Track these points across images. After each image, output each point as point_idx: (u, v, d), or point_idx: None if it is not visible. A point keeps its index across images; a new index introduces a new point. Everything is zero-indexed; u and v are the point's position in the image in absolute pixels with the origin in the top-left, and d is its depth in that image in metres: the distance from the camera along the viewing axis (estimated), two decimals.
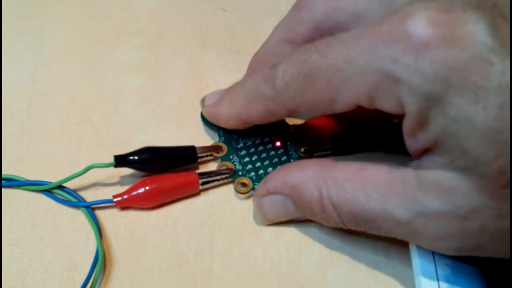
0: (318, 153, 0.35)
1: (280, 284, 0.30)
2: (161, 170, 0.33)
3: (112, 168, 0.32)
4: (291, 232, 0.32)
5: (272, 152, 0.34)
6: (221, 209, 0.32)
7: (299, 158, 0.34)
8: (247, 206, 0.33)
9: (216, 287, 0.30)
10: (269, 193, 0.29)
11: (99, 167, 0.31)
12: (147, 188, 0.31)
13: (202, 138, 0.36)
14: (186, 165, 0.33)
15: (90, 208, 0.31)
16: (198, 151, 0.33)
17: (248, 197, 0.33)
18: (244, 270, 0.30)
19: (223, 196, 0.33)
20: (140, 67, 0.39)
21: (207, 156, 0.34)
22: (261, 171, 0.33)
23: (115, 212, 0.32)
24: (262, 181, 0.30)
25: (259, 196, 0.30)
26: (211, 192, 0.33)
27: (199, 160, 0.34)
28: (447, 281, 0.27)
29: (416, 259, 0.27)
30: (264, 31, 0.38)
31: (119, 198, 0.31)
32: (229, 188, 0.33)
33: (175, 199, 0.32)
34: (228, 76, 0.39)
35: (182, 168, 0.33)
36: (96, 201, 0.31)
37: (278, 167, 0.31)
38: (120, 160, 0.31)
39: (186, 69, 0.39)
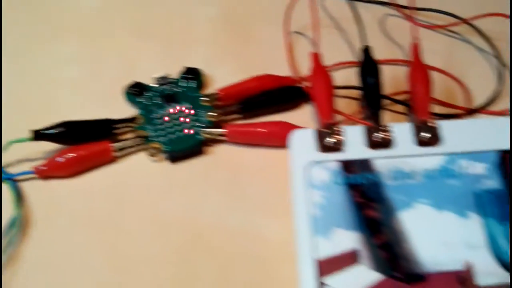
0: (228, 116, 0.37)
1: (181, 232, 0.33)
2: (81, 143, 0.35)
3: (36, 144, 0.35)
4: (194, 188, 0.35)
5: (184, 119, 0.37)
6: (135, 172, 0.35)
7: (209, 123, 0.36)
8: (159, 168, 0.35)
9: (128, 242, 0.32)
10: None
11: (18, 142, 0.34)
12: (64, 157, 0.34)
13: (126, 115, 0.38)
14: (105, 136, 0.36)
15: (12, 180, 0.33)
16: (115, 123, 0.36)
17: (161, 160, 0.35)
18: (153, 224, 0.33)
19: (138, 161, 0.36)
20: (76, 58, 0.42)
21: (124, 127, 0.36)
22: (172, 136, 0.35)
23: (37, 183, 0.34)
24: None
25: None
26: (128, 158, 0.36)
27: (118, 131, 0.36)
28: None
29: None
30: (197, 23, 0.43)
31: (40, 169, 0.33)
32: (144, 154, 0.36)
33: (92, 166, 0.34)
34: (158, 65, 0.41)
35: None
36: (18, 173, 0.34)
37: None
38: (39, 135, 0.34)
39: (118, 58, 0.42)
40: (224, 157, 0.36)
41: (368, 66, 0.35)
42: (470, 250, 0.28)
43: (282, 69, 0.39)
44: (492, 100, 0.39)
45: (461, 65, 0.41)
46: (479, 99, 0.39)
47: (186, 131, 0.36)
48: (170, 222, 0.33)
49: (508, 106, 0.38)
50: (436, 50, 0.42)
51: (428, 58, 0.38)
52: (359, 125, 0.32)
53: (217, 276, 0.31)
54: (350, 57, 0.40)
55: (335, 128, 0.32)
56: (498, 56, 0.41)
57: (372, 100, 0.34)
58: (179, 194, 0.34)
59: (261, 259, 0.32)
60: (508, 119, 0.33)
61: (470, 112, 0.37)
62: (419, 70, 0.35)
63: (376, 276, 0.28)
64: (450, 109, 0.38)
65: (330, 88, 0.34)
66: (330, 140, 0.31)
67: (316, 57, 0.35)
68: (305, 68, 0.39)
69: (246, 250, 0.32)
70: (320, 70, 0.34)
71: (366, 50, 0.36)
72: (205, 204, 0.33)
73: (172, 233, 0.32)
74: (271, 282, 0.31)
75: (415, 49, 0.36)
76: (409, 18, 0.41)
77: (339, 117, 0.36)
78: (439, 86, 0.39)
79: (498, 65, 0.40)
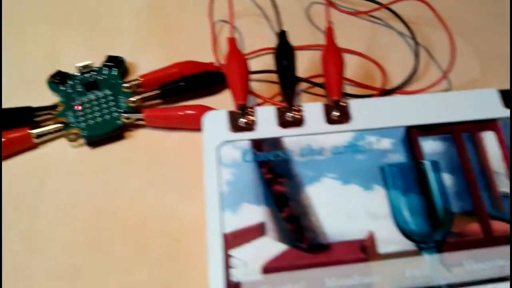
0: (147, 102, 0.38)
1: (97, 213, 0.34)
2: (2, 130, 0.35)
3: None
4: (112, 171, 0.36)
5: (104, 105, 0.37)
6: (55, 158, 0.36)
7: (128, 108, 0.37)
8: (78, 153, 0.36)
9: (45, 225, 0.33)
10: None
11: None
12: None
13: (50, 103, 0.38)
14: (26, 124, 0.36)
15: None
16: (36, 110, 0.36)
17: (80, 145, 0.35)
18: (70, 207, 0.34)
19: (58, 147, 0.36)
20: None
21: (46, 114, 0.36)
22: (91, 121, 0.36)
23: None
24: None
25: None
26: (48, 144, 0.36)
27: (40, 118, 0.37)
28: None
29: None
30: (123, 13, 0.43)
31: None
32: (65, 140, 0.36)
33: (12, 153, 0.35)
34: (84, 54, 0.41)
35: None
36: None
37: None
38: None
39: (43, 48, 0.42)
40: (143, 141, 0.36)
41: (282, 49, 0.36)
42: (373, 220, 0.29)
43: (206, 57, 0.40)
44: (407, 81, 0.40)
45: (381, 48, 0.42)
46: (396, 80, 0.40)
47: (105, 116, 0.36)
48: (87, 204, 0.33)
49: (423, 86, 0.39)
50: (359, 35, 0.43)
51: (352, 43, 0.40)
52: (272, 106, 0.33)
53: (131, 254, 0.32)
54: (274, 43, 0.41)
55: (247, 109, 0.32)
56: (414, 39, 0.42)
57: (285, 82, 0.35)
58: (97, 177, 0.35)
59: (175, 236, 0.32)
60: (414, 96, 0.35)
61: (386, 92, 0.39)
62: (332, 52, 0.36)
63: (280, 247, 0.29)
64: (368, 90, 0.39)
65: (244, 71, 0.35)
66: (242, 120, 0.32)
67: (231, 42, 0.36)
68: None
69: (161, 228, 0.33)
70: (235, 54, 0.35)
71: (281, 35, 0.37)
72: (122, 186, 0.34)
73: (88, 214, 0.33)
74: (185, 257, 0.32)
75: (329, 32, 0.37)
76: (332, 5, 0.43)
77: (258, 100, 0.38)
78: (360, 69, 0.41)
79: (415, 48, 0.42)
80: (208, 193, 0.30)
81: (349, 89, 0.39)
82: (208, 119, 0.32)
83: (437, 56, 0.41)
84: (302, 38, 0.41)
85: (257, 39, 0.41)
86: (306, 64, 0.40)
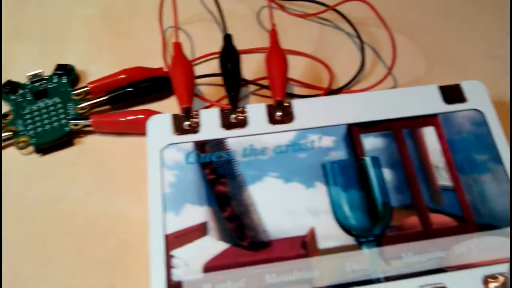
0: (96, 108, 0.39)
1: (45, 217, 0.34)
2: None
3: None
4: (61, 176, 0.36)
5: (53, 113, 0.38)
6: (4, 165, 0.36)
7: (76, 115, 0.38)
8: (27, 160, 0.36)
9: None
10: None
11: None
12: None
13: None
14: None
15: None
16: None
17: (30, 153, 0.36)
18: (16, 212, 0.34)
19: (7, 155, 0.37)
20: None
21: None
22: (40, 129, 0.36)
23: None
24: None
25: None
26: None
27: None
28: None
29: None
30: (75, 22, 0.44)
31: None
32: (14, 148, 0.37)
33: None
34: (35, 64, 0.42)
35: None
36: None
37: None
38: None
39: None
40: (91, 147, 0.37)
41: (227, 52, 0.37)
42: (314, 217, 0.30)
43: (157, 63, 0.41)
44: (353, 80, 0.41)
45: (329, 49, 0.43)
46: (344, 80, 0.41)
47: (54, 124, 0.37)
48: (35, 209, 0.34)
49: (369, 85, 0.40)
50: (308, 37, 0.44)
51: (301, 45, 0.41)
52: (216, 108, 0.34)
53: (76, 256, 0.32)
54: None
55: (191, 112, 0.33)
56: (360, 39, 0.43)
57: (229, 84, 0.36)
58: (45, 183, 0.35)
59: (121, 238, 0.33)
60: (355, 95, 0.36)
61: (332, 92, 0.39)
62: (275, 54, 0.36)
63: (222, 246, 0.29)
64: (316, 90, 0.40)
65: (188, 75, 0.35)
66: (186, 123, 0.33)
67: (176, 47, 0.36)
68: None
69: (107, 231, 0.33)
70: (179, 58, 0.36)
71: (226, 38, 0.38)
72: (70, 191, 0.35)
73: (34, 219, 0.34)
74: (130, 258, 0.33)
75: (273, 34, 0.37)
76: (282, 8, 0.44)
77: (207, 104, 0.39)
78: (309, 70, 0.42)
79: (361, 48, 0.43)
80: (151, 196, 0.30)
81: (296, 89, 0.40)
82: (152, 123, 0.33)
83: (384, 55, 0.42)
84: (253, 41, 0.42)
85: (209, 43, 0.42)
86: (256, 66, 0.40)
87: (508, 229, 0.30)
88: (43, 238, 0.33)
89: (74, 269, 0.32)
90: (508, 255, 0.29)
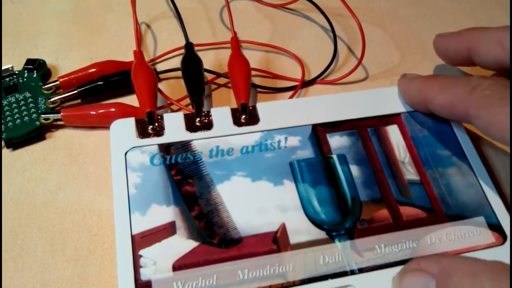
0: (67, 102, 0.39)
1: (16, 212, 0.33)
2: None
3: None
4: (31, 171, 0.35)
5: (23, 108, 0.37)
6: None
7: (47, 109, 0.37)
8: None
9: None
10: (419, 269, 0.27)
11: None
12: None
13: None
14: None
15: None
16: None
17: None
18: None
19: None
20: None
21: None
22: (10, 124, 0.37)
23: None
24: (415, 260, 0.28)
25: (406, 271, 0.28)
26: None
27: None
28: None
29: None
30: (47, 17, 0.44)
31: None
32: None
33: None
34: (7, 59, 0.42)
35: None
36: None
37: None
38: None
39: None
40: (63, 141, 0.37)
41: (189, 59, 0.37)
42: (284, 213, 0.30)
43: (130, 57, 0.40)
44: (325, 71, 0.41)
45: (302, 41, 0.44)
46: (316, 72, 0.41)
47: (24, 118, 0.37)
48: (5, 203, 0.33)
49: (339, 76, 0.41)
50: (282, 28, 0.45)
51: (273, 37, 0.42)
52: (180, 112, 0.33)
53: (47, 249, 0.31)
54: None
55: (155, 116, 0.32)
56: (333, 30, 0.44)
57: (192, 90, 0.35)
58: (16, 177, 0.34)
59: (93, 231, 0.32)
60: (320, 97, 0.36)
61: (305, 84, 0.40)
62: (237, 59, 0.36)
63: (191, 244, 0.28)
64: (290, 82, 0.41)
65: (150, 81, 0.35)
66: (150, 126, 0.32)
67: (136, 54, 0.36)
68: (151, 54, 0.42)
69: (79, 224, 0.32)
70: (140, 66, 0.35)
71: (187, 46, 0.38)
72: (41, 185, 0.34)
73: (5, 213, 0.33)
74: (101, 251, 0.32)
75: (234, 41, 0.38)
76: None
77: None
78: (280, 63, 0.42)
79: (334, 39, 0.43)
80: (116, 197, 0.30)
81: (268, 82, 0.40)
82: (115, 127, 0.32)
83: (357, 46, 0.43)
84: (223, 35, 0.43)
85: (178, 40, 0.43)
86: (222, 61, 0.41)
87: (477, 218, 0.30)
88: (15, 232, 0.32)
89: (46, 262, 0.31)
90: (476, 242, 0.29)
